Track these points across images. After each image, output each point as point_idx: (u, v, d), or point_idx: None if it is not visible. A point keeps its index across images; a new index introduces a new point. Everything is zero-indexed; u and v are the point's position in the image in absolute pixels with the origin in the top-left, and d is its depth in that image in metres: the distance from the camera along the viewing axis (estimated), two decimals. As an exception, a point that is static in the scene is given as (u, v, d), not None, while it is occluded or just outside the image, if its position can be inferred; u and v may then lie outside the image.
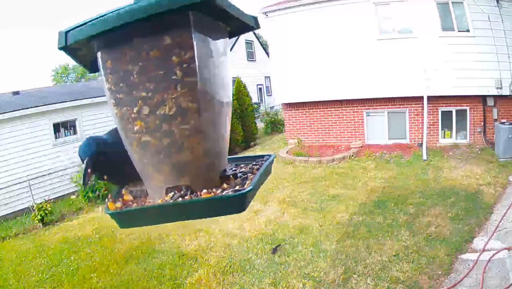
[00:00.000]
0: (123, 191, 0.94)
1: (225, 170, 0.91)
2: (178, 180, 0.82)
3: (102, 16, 0.72)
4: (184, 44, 0.74)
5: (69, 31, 0.74)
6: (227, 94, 0.89)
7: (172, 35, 0.74)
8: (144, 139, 0.79)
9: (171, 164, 0.81)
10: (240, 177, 0.90)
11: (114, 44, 0.76)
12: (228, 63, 0.91)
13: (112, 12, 0.71)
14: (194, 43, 0.75)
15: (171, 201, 0.80)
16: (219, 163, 0.90)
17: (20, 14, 60.80)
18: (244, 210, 0.80)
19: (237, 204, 0.79)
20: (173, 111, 0.76)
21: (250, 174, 0.92)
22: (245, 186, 0.83)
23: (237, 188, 0.82)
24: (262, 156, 1.06)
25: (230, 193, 0.80)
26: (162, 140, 0.79)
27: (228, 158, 1.06)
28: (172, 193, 0.81)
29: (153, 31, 0.74)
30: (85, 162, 0.88)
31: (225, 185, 0.85)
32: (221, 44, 0.88)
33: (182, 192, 0.81)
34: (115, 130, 0.94)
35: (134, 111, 0.77)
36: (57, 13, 66.13)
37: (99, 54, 0.79)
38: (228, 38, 0.92)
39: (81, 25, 0.73)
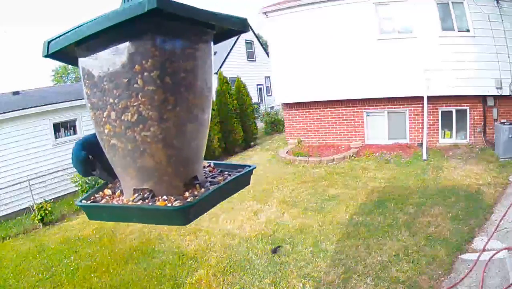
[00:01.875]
0: (109, 185, 0.99)
1: (196, 177, 0.91)
2: (142, 183, 0.85)
3: (77, 27, 0.76)
4: (145, 53, 0.76)
5: (51, 41, 0.78)
6: (202, 101, 0.88)
7: (135, 44, 0.77)
8: (112, 142, 0.84)
9: (135, 167, 0.85)
10: (206, 187, 0.90)
11: (88, 52, 0.81)
12: (208, 67, 0.89)
13: (84, 24, 0.75)
14: (156, 51, 0.77)
15: (131, 202, 0.85)
16: (186, 171, 0.89)
17: (20, 14, 60.82)
18: (187, 223, 0.82)
19: (178, 217, 0.81)
20: (135, 119, 0.79)
21: (216, 185, 0.92)
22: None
23: (189, 199, 0.84)
24: (243, 166, 1.05)
25: (175, 205, 0.81)
26: (127, 145, 0.82)
27: (216, 163, 1.09)
28: (137, 194, 0.85)
29: (120, 40, 0.77)
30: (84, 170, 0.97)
31: (187, 194, 0.86)
32: (198, 49, 0.86)
33: (145, 195, 0.84)
34: None
35: (104, 115, 0.82)
36: (57, 13, 66.15)
37: (78, 60, 0.84)
38: (210, 42, 0.90)
39: (61, 35, 0.78)
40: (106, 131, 0.83)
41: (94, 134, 0.98)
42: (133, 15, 0.68)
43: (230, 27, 0.90)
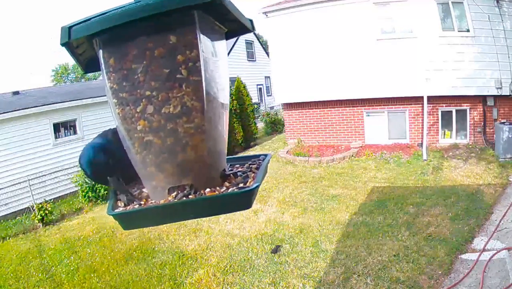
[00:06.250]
0: (119, 193, 0.91)
1: (224, 170, 0.92)
2: (181, 180, 0.82)
3: (107, 12, 0.71)
4: (189, 43, 0.75)
5: (72, 26, 0.72)
6: (225, 96, 0.90)
7: (178, 34, 0.74)
8: (147, 139, 0.79)
9: (175, 163, 0.81)
10: (240, 175, 0.90)
11: (118, 42, 0.75)
12: (226, 65, 0.92)
13: (117, 8, 0.70)
14: (199, 42, 0.75)
15: (175, 200, 0.80)
16: (220, 162, 0.90)
17: (20, 14, 60.80)
18: (250, 206, 0.81)
19: (244, 200, 0.80)
20: (177, 110, 0.76)
21: (250, 173, 0.93)
22: (247, 184, 0.84)
23: (240, 185, 0.83)
24: (258, 156, 1.07)
25: (236, 190, 0.80)
26: (165, 139, 0.78)
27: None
28: (175, 192, 0.81)
29: (158, 30, 0.74)
30: (109, 178, 0.87)
31: (227, 184, 0.85)
32: (219, 46, 0.89)
33: (185, 191, 0.81)
34: (110, 132, 0.93)
35: (138, 110, 0.77)
36: (57, 13, 66.14)
37: (100, 52, 0.77)
38: (225, 40, 0.93)
39: (84, 20, 0.72)
40: (139, 127, 0.78)
41: (105, 138, 0.94)
42: (194, 3, 0.68)
43: (244, 26, 0.91)
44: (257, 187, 0.81)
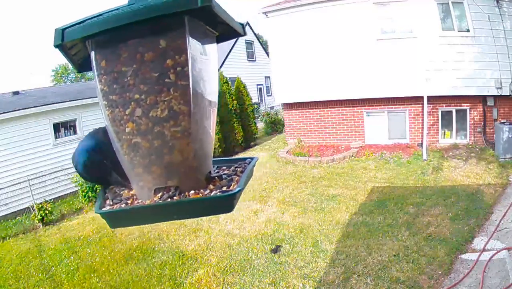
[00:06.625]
0: (107, 192, 0.94)
1: (210, 172, 0.93)
2: (167, 181, 0.84)
3: (100, 15, 0.72)
4: (178, 48, 0.76)
5: (65, 28, 0.73)
6: (213, 99, 0.91)
7: (167, 39, 0.75)
8: (135, 141, 0.80)
9: (161, 165, 0.83)
10: (225, 178, 0.92)
11: (110, 44, 0.76)
12: (216, 68, 0.93)
13: (111, 11, 0.71)
14: (188, 47, 0.76)
15: (161, 201, 0.81)
16: (206, 165, 0.92)
17: (20, 14, 60.78)
18: (232, 210, 0.82)
19: (225, 204, 0.82)
20: (165, 114, 0.77)
21: (235, 176, 0.94)
22: (231, 187, 0.86)
23: (224, 188, 0.85)
24: (244, 159, 1.08)
25: (218, 194, 0.82)
26: (153, 142, 0.80)
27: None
28: (161, 193, 0.83)
29: (149, 34, 0.75)
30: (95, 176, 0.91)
31: (211, 186, 0.87)
32: (209, 50, 0.90)
33: (170, 193, 0.82)
34: (101, 131, 0.93)
35: (127, 113, 0.78)
36: (57, 14, 66.14)
37: (92, 54, 0.78)
38: (216, 44, 0.94)
39: (78, 23, 0.73)
40: (127, 130, 0.80)
41: (97, 139, 0.95)
42: (183, 9, 0.68)
43: (235, 30, 0.92)
44: (240, 191, 0.82)
